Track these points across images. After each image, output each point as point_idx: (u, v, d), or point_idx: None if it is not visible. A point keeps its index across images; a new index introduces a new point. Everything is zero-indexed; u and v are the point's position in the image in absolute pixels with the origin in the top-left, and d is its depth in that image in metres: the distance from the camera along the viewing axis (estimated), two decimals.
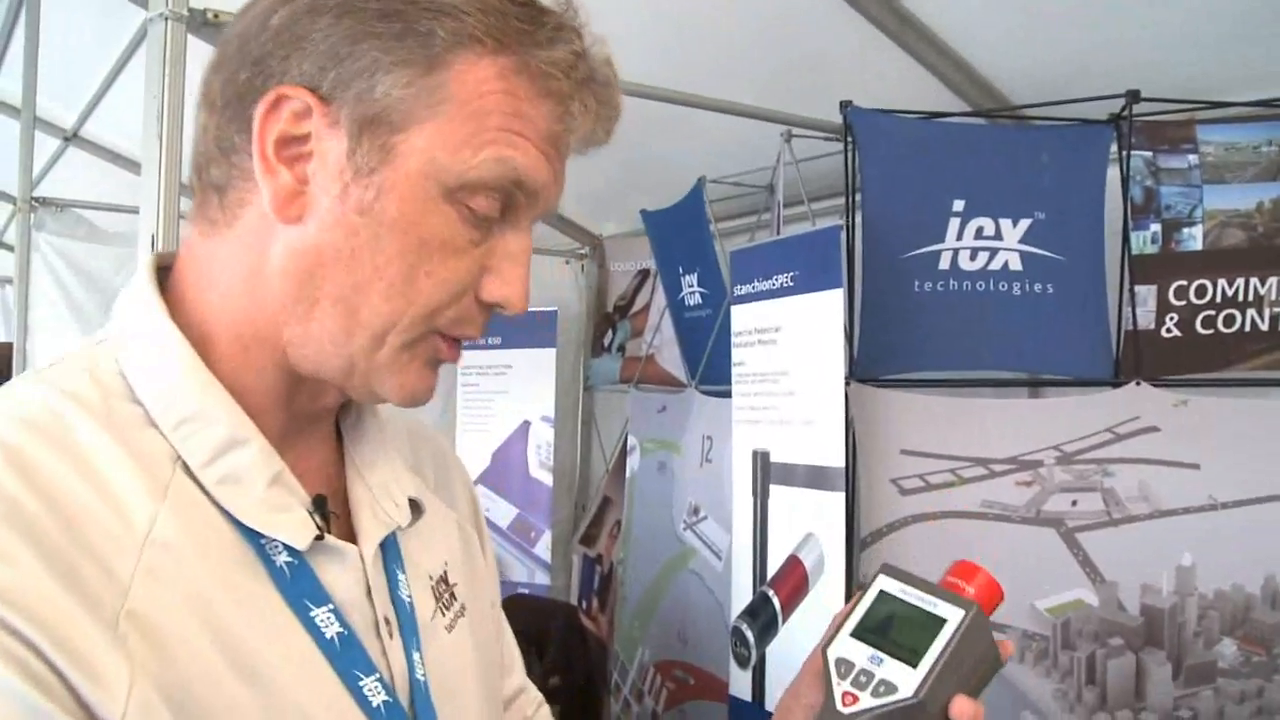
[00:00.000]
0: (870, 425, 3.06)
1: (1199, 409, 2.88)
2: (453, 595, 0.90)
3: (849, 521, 2.90)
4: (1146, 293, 3.04)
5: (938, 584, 0.81)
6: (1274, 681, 2.78)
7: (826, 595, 2.92)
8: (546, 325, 4.74)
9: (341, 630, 0.76)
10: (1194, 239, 3.10)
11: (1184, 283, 3.03)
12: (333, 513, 0.81)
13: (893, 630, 0.80)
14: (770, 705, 3.16)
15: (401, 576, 0.84)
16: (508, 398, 4.86)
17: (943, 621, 0.78)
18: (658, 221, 4.02)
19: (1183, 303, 3.05)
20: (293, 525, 0.76)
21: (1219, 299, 3.01)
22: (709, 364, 3.82)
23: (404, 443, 0.97)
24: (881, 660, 0.78)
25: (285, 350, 0.79)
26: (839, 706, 0.80)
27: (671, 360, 4.37)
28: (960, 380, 3.14)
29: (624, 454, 4.56)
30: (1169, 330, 3.04)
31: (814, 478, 2.96)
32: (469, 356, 4.78)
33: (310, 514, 0.78)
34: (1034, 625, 2.92)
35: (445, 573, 0.91)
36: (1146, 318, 3.02)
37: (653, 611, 4.27)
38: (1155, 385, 2.93)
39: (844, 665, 0.81)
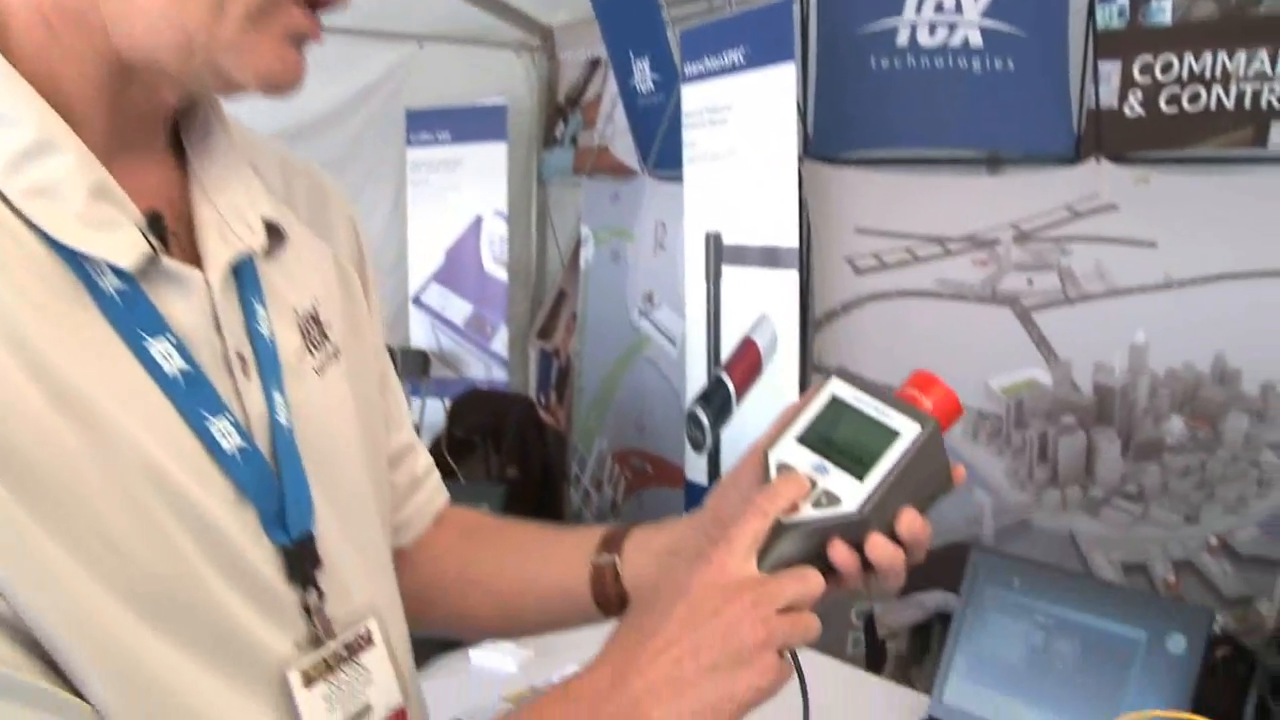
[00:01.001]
0: (824, 204, 2.92)
1: (1160, 187, 2.75)
2: (324, 336, 0.77)
3: (803, 301, 2.79)
4: (1110, 69, 2.86)
5: (893, 394, 0.73)
6: (1216, 456, 2.74)
7: (780, 376, 2.84)
8: (496, 119, 4.54)
9: (186, 367, 0.64)
10: (1163, 12, 2.89)
11: (1150, 58, 2.84)
12: (172, 233, 0.68)
13: (841, 439, 0.71)
14: None
15: (261, 310, 0.72)
16: (459, 194, 4.68)
17: (895, 435, 0.69)
18: (608, 6, 3.77)
19: (1148, 80, 2.87)
20: (118, 243, 0.63)
21: (1185, 76, 2.83)
22: (661, 149, 3.64)
23: (273, 172, 0.82)
24: (827, 470, 0.70)
25: (106, 31, 0.63)
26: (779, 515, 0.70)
27: (624, 150, 4.19)
28: (917, 159, 2.99)
29: (578, 246, 4.40)
30: (1132, 109, 2.88)
31: (767, 258, 2.83)
32: (417, 154, 4.66)
33: (142, 232, 0.64)
34: (988, 404, 2.86)
35: (316, 310, 0.78)
36: (1110, 95, 2.84)
37: (609, 402, 4.21)
38: (1117, 163, 2.78)
39: (786, 472, 0.72)
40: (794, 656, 0.68)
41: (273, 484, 0.67)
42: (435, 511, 0.98)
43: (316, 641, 0.70)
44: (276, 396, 0.71)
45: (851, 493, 0.69)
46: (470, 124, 4.57)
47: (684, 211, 3.19)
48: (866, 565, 0.70)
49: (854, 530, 0.68)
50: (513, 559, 0.92)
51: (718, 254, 3.05)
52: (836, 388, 0.74)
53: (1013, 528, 2.79)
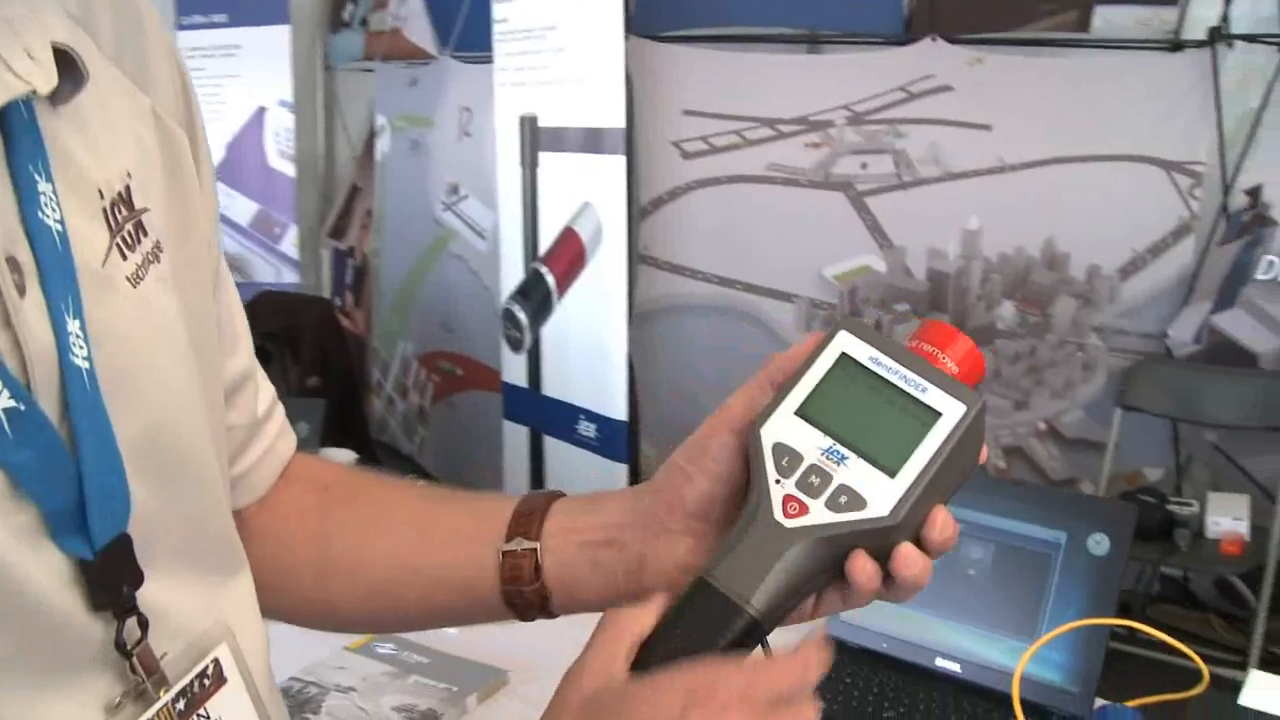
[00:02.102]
0: (650, 83, 2.70)
1: (994, 68, 2.64)
2: (142, 228, 0.54)
3: (629, 188, 2.58)
4: None
5: (907, 346, 0.60)
6: (1045, 340, 2.70)
7: (605, 268, 2.63)
8: (277, 0, 4.15)
9: None
10: None
11: None
12: None
13: (861, 416, 0.59)
14: (549, 389, 2.93)
15: (44, 187, 0.48)
16: (239, 82, 4.28)
17: (935, 416, 0.57)
18: None
19: None
20: None
21: None
22: (465, 28, 3.32)
23: None
24: (844, 458, 0.58)
25: None
26: (778, 515, 0.57)
27: (420, 33, 3.85)
28: (744, 36, 2.77)
29: (372, 137, 4.08)
30: None
31: (590, 141, 2.59)
32: (190, 37, 4.23)
33: None
34: (821, 293, 2.74)
35: (128, 190, 0.53)
36: None
37: (412, 302, 3.94)
38: (950, 42, 2.64)
39: (787, 456, 0.58)
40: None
41: (65, 464, 0.47)
42: (281, 463, 0.74)
43: (140, 696, 0.51)
44: (69, 323, 0.47)
45: (880, 492, 0.57)
46: (248, 5, 4.20)
47: (493, 95, 2.90)
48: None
49: (879, 539, 0.57)
50: (386, 538, 0.70)
51: (534, 139, 2.79)
52: (846, 343, 0.60)
53: None
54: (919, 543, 0.56)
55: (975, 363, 0.60)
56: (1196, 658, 1.17)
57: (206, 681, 0.55)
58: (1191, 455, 2.69)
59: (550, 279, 2.80)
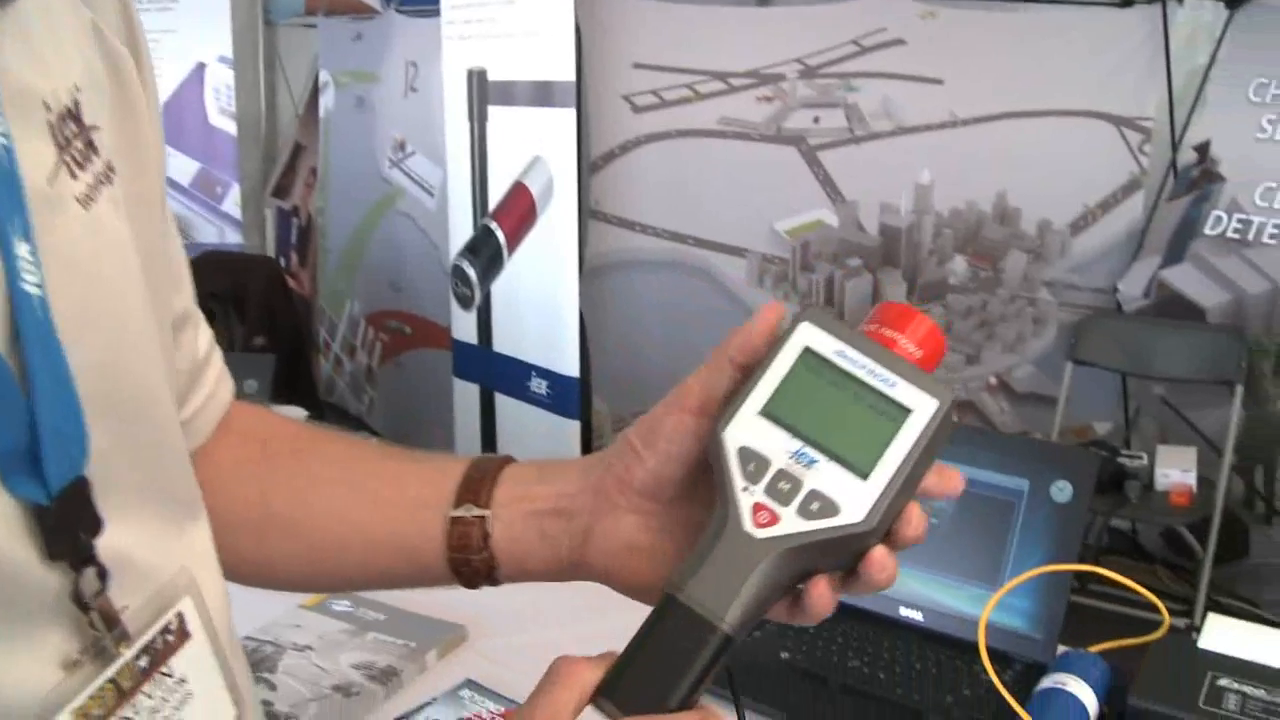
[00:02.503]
0: (600, 35, 2.65)
1: (947, 22, 2.61)
2: (92, 146, 0.49)
3: (579, 142, 2.52)
4: None
5: (865, 334, 0.58)
6: (996, 295, 2.71)
7: (556, 222, 2.59)
8: None
9: None
10: None
11: None
12: None
13: (829, 416, 0.57)
14: (500, 346, 2.89)
15: None
16: (176, 37, 4.18)
17: (905, 412, 0.56)
18: None
19: None
20: None
21: None
22: None
23: None
24: (813, 461, 0.56)
25: None
26: (747, 526, 0.55)
27: None
28: None
29: (315, 94, 3.98)
30: None
31: (539, 95, 2.54)
32: None
33: None
34: (773, 248, 2.71)
35: (76, 104, 0.49)
36: None
37: (359, 261, 3.87)
38: None
39: (753, 461, 0.56)
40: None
41: (15, 400, 0.43)
42: (221, 410, 0.70)
43: (100, 653, 0.47)
44: (18, 246, 0.43)
45: (853, 495, 0.55)
46: None
47: (440, 48, 2.83)
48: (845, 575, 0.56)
49: (853, 546, 0.55)
50: (329, 496, 0.68)
51: (482, 93, 2.72)
52: (809, 336, 0.58)
53: None
54: (889, 539, 0.54)
55: (936, 343, 0.58)
56: (1158, 601, 1.17)
57: (170, 637, 0.52)
58: (1140, 408, 2.71)
59: (500, 235, 2.75)
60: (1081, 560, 1.29)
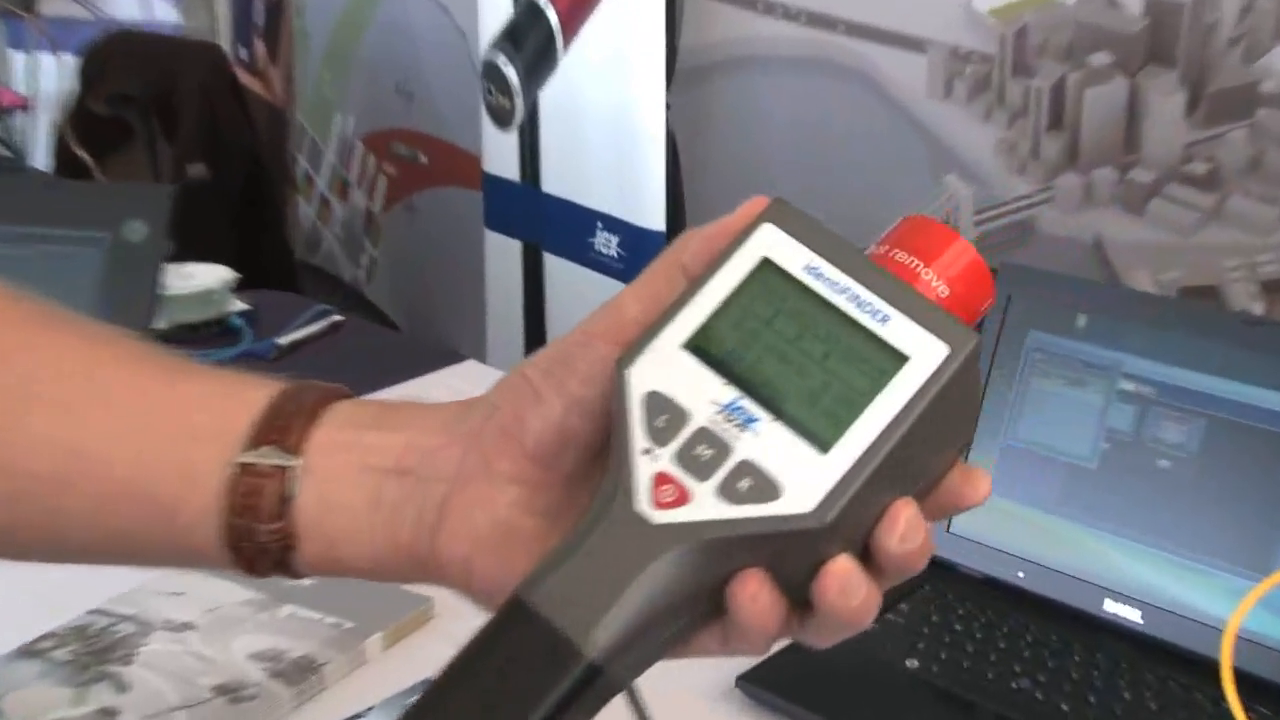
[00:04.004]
0: None
1: None
2: None
3: None
4: None
5: (869, 258, 0.61)
6: None
7: (635, 4, 2.60)
8: None
9: None
10: None
11: None
12: None
13: (785, 356, 0.60)
14: (552, 185, 2.95)
15: None
16: None
17: (899, 360, 0.58)
18: None
19: None
20: None
21: None
22: None
23: None
24: (751, 419, 0.58)
25: None
26: (642, 505, 0.57)
27: None
28: None
29: None
30: None
31: None
32: None
33: None
34: (969, 37, 2.66)
35: None
36: None
37: (352, 54, 3.94)
38: None
39: (665, 414, 0.59)
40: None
41: None
42: None
43: None
44: None
45: (804, 474, 0.57)
46: None
47: None
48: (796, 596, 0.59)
49: (798, 549, 0.57)
50: (44, 414, 0.70)
51: None
52: (772, 243, 0.62)
53: (1003, 235, 2.67)
54: (866, 555, 0.57)
55: (977, 284, 0.61)
56: None
57: None
58: None
59: (553, 15, 2.77)
60: None
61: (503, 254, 3.11)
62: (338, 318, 2.17)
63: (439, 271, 3.75)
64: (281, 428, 0.66)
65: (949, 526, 1.51)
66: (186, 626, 1.21)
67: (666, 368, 0.60)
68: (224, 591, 1.26)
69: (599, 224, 2.83)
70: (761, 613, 0.56)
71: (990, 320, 1.53)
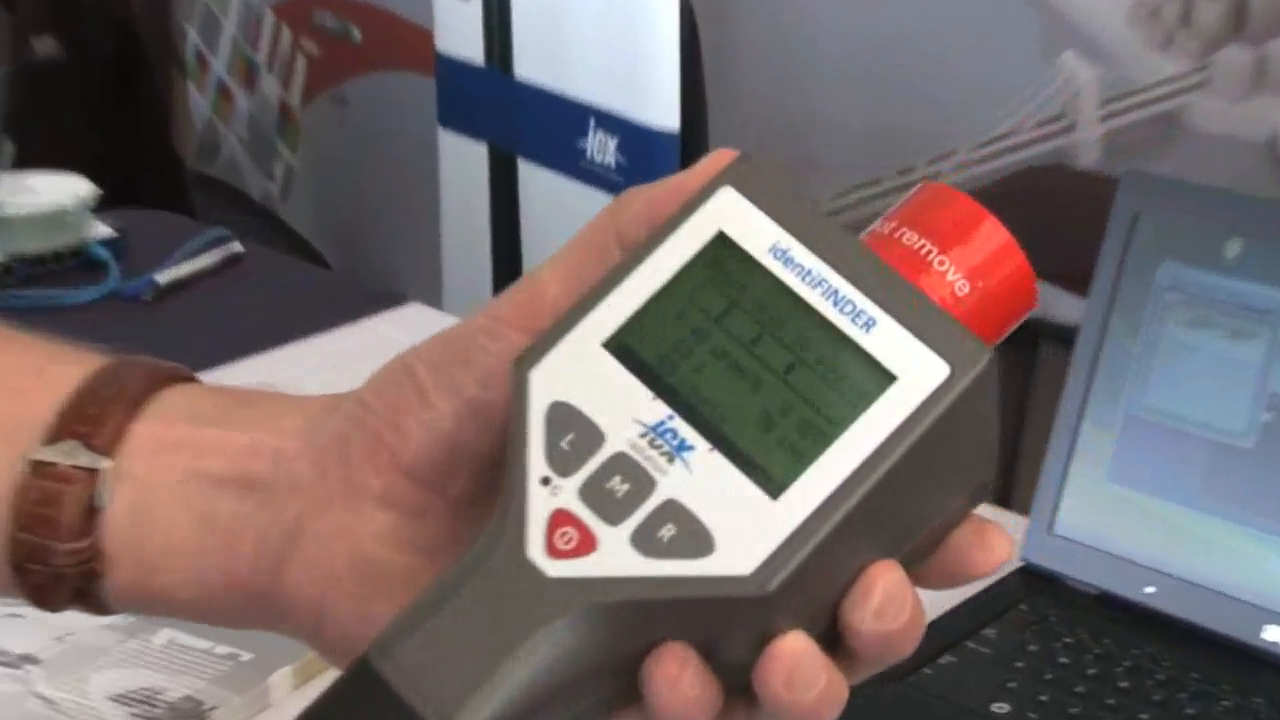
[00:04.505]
0: None
1: None
2: None
3: None
4: None
5: (861, 240, 0.61)
6: None
7: None
8: None
9: None
10: None
11: None
12: None
13: (733, 365, 0.60)
14: (525, 71, 2.99)
15: None
16: None
17: (882, 381, 0.58)
18: None
19: None
20: None
21: None
22: None
23: None
24: (685, 447, 0.59)
25: None
26: (532, 550, 0.57)
27: None
28: None
29: None
30: None
31: None
32: None
33: None
34: None
35: None
36: None
37: None
38: None
39: (573, 432, 0.60)
40: None
41: None
42: None
43: None
44: None
45: (744, 524, 0.57)
46: None
47: None
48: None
49: (735, 622, 0.58)
50: None
51: None
52: (730, 212, 0.62)
53: (1140, 132, 2.71)
54: (829, 635, 0.57)
55: (1009, 281, 0.61)
56: None
57: None
58: None
59: None
60: None
61: (463, 161, 3.13)
62: (238, 247, 2.15)
63: (378, 185, 3.76)
64: (93, 417, 0.66)
65: (1052, 526, 1.50)
66: (27, 660, 1.21)
67: (580, 371, 0.61)
68: (79, 616, 1.26)
69: (591, 122, 2.83)
70: (684, 702, 0.57)
71: (1109, 244, 1.54)
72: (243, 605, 0.63)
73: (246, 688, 1.20)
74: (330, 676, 1.28)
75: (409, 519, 0.61)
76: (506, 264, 3.11)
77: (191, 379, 0.69)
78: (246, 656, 1.23)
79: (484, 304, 0.64)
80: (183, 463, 0.65)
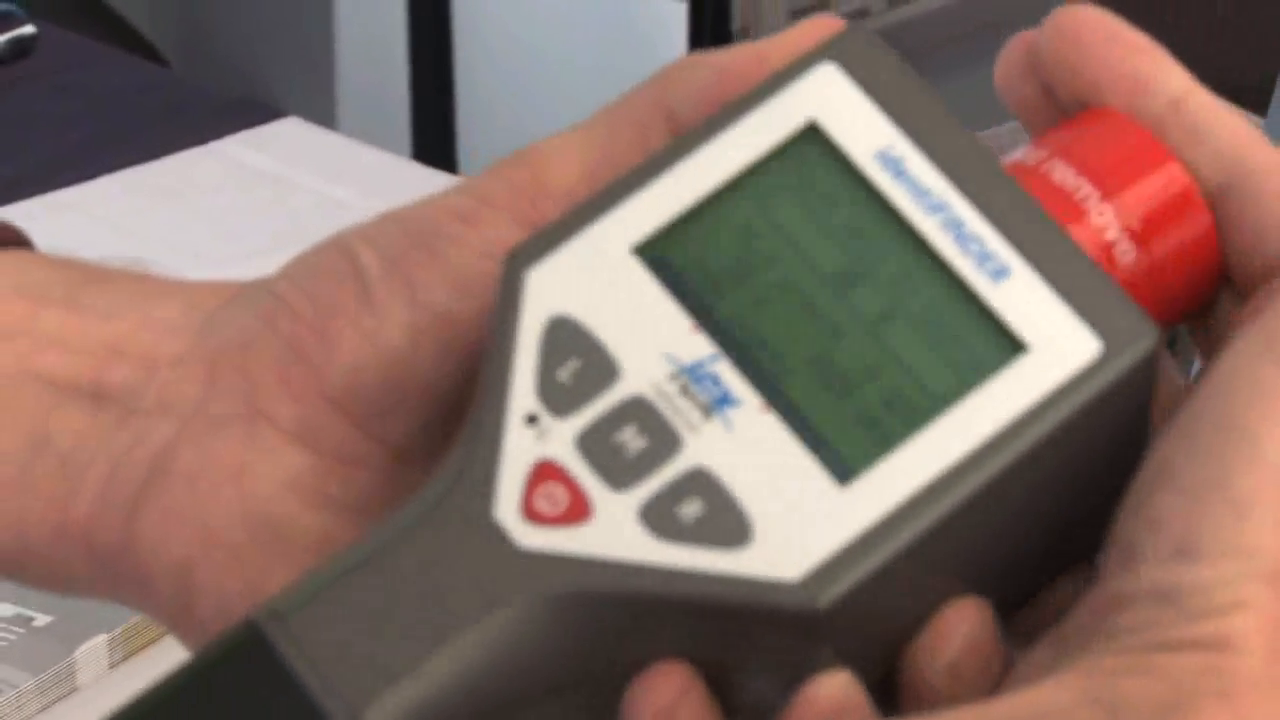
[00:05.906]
0: None
1: None
2: None
3: None
4: None
5: (1010, 164, 0.59)
6: None
7: None
8: None
9: None
10: None
11: None
12: None
13: (812, 302, 0.57)
14: None
15: None
16: None
17: (1011, 349, 0.55)
18: None
19: None
20: None
21: None
22: None
23: None
24: (729, 401, 0.56)
25: None
26: (502, 509, 0.54)
27: None
28: None
29: None
30: None
31: None
32: None
33: None
34: None
35: None
36: None
37: None
38: None
39: (578, 357, 0.56)
40: None
41: None
42: None
43: None
44: None
45: (797, 514, 0.54)
46: None
47: None
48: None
49: (768, 642, 0.54)
50: None
51: None
52: (828, 94, 0.59)
53: None
54: (888, 678, 0.54)
55: (1190, 245, 0.58)
56: None
57: None
58: None
59: None
60: None
61: None
62: (30, 29, 1.90)
63: None
64: None
65: None
66: None
67: (598, 281, 0.57)
68: None
69: None
70: None
71: None
72: (76, 561, 0.57)
73: (47, 663, 1.09)
74: (160, 652, 1.20)
75: (330, 465, 0.56)
76: (429, 66, 3.01)
77: (25, 242, 0.67)
78: (42, 620, 1.13)
79: (457, 183, 0.62)
80: (12, 357, 0.61)
